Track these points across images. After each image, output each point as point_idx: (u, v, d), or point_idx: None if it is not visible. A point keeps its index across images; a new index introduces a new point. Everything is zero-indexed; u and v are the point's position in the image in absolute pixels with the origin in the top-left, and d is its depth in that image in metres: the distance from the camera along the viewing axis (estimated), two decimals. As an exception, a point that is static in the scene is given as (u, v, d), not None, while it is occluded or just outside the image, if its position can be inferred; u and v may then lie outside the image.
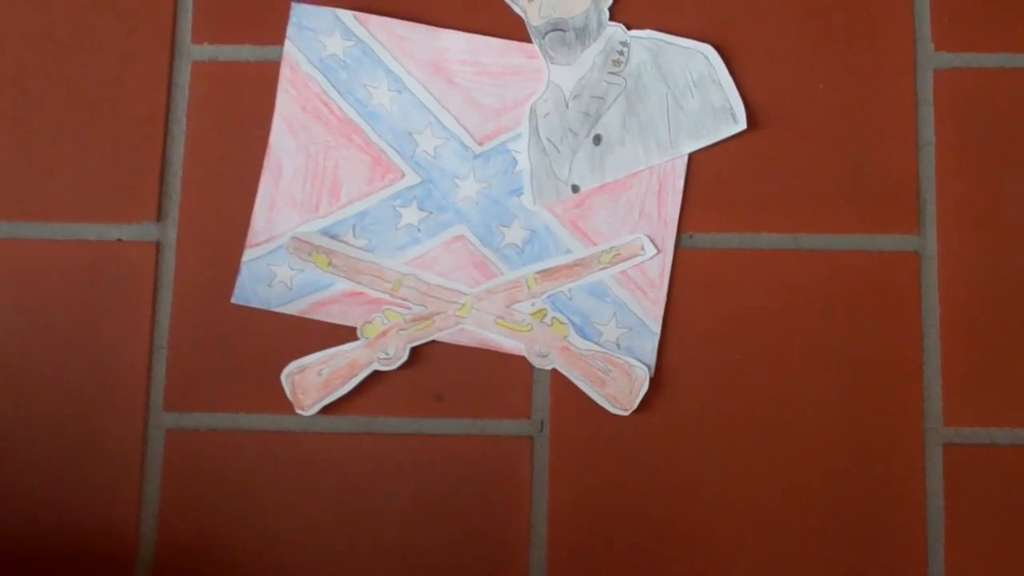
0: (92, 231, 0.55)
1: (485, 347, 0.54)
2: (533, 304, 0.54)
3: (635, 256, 0.54)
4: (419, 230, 0.54)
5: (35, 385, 0.54)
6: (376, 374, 0.53)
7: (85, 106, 0.56)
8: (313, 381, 0.53)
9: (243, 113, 0.55)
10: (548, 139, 0.55)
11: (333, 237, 0.54)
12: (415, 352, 0.53)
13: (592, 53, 0.55)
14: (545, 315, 0.54)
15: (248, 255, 0.54)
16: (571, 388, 0.53)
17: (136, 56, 0.56)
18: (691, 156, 0.55)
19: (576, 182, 0.55)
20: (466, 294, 0.54)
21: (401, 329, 0.53)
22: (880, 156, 0.55)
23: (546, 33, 0.55)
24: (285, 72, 0.55)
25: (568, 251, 0.54)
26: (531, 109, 0.55)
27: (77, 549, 0.52)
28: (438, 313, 0.54)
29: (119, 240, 0.55)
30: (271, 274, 0.54)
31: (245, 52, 0.56)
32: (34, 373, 0.54)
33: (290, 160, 0.55)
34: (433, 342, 0.54)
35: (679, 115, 0.55)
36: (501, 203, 0.55)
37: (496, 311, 0.54)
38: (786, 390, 0.53)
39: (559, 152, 0.55)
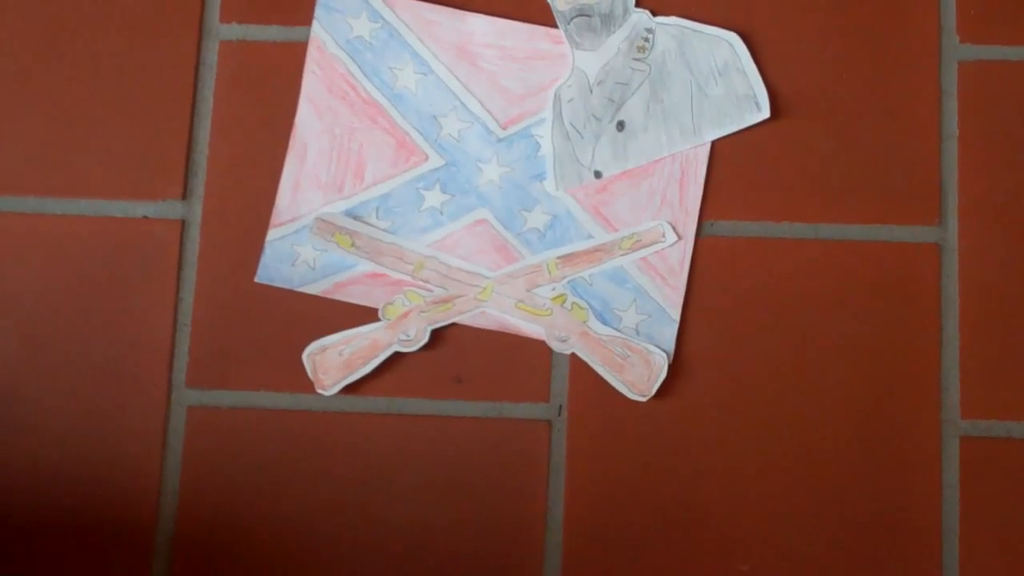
0: (118, 208, 0.55)
1: (505, 331, 0.54)
2: (553, 289, 0.54)
3: (656, 243, 0.54)
4: (442, 213, 0.55)
5: (59, 360, 0.54)
6: (396, 355, 0.54)
7: (113, 84, 0.56)
8: (334, 361, 0.53)
9: (269, 93, 0.56)
10: (572, 124, 0.55)
11: (356, 218, 0.54)
12: (435, 334, 0.54)
13: (617, 39, 0.55)
14: (565, 300, 0.54)
15: (272, 235, 0.55)
16: (590, 373, 0.53)
17: (164, 35, 0.56)
18: (714, 144, 0.55)
19: (599, 168, 0.55)
20: (487, 277, 0.54)
21: (422, 311, 0.54)
22: (903, 148, 0.55)
23: (572, 18, 0.55)
24: (312, 53, 0.56)
25: (589, 236, 0.54)
26: (555, 94, 0.55)
27: (98, 523, 0.53)
28: (459, 296, 0.54)
29: (145, 217, 0.55)
30: (294, 254, 0.54)
31: (273, 32, 0.56)
32: (58, 348, 0.54)
33: (315, 141, 0.55)
34: (453, 325, 0.54)
35: (703, 102, 0.55)
36: (524, 188, 0.55)
37: (516, 295, 0.54)
38: (804, 379, 0.53)
39: (582, 138, 0.55)
